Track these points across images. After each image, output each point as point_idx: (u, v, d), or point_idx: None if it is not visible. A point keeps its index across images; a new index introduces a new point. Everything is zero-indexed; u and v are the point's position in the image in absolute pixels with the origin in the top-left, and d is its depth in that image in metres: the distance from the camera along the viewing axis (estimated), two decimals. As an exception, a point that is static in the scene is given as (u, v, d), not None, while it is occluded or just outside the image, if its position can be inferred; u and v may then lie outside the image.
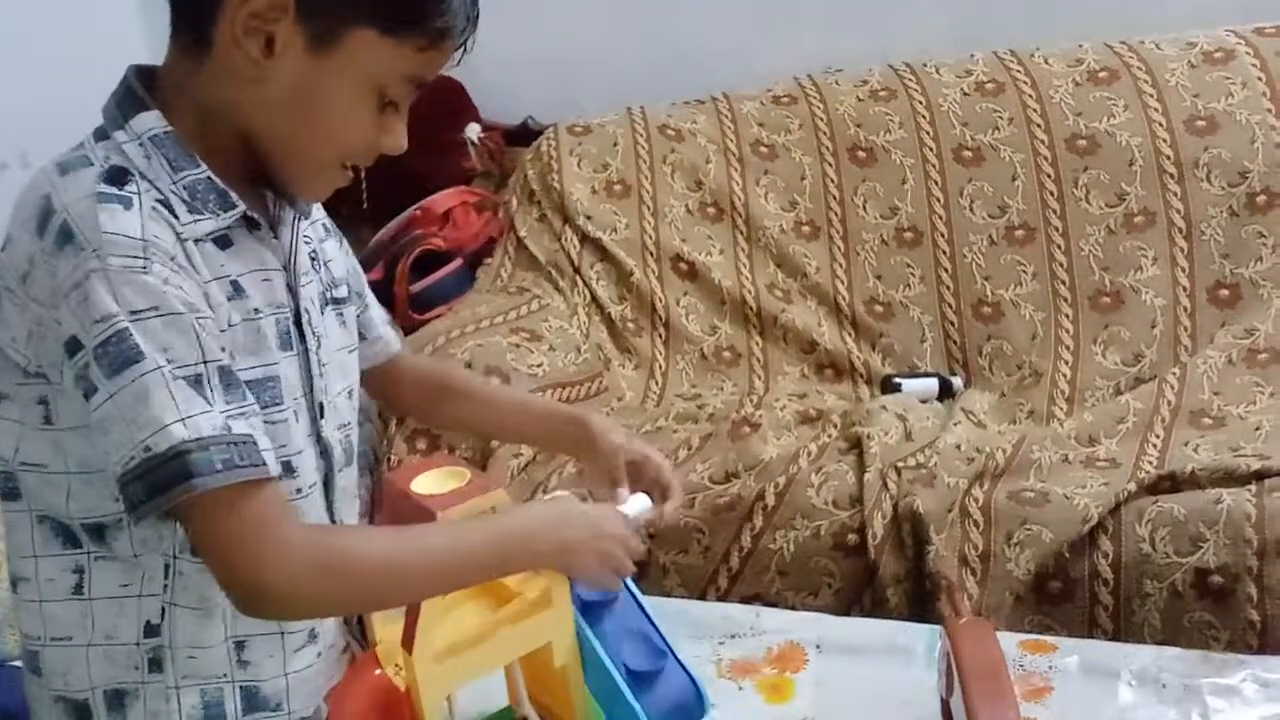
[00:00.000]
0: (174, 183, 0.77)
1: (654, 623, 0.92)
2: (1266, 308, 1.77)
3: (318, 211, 0.93)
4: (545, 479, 1.59)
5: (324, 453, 0.88)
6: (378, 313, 1.02)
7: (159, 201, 0.75)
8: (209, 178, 0.78)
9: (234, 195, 0.79)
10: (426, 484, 0.84)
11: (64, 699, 0.83)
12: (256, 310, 0.81)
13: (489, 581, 0.83)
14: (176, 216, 0.76)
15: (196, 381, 0.72)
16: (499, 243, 2.12)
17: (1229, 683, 0.94)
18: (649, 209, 2.07)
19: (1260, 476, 1.38)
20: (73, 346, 0.73)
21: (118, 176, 0.74)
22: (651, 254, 2.04)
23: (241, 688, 0.85)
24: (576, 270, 2.03)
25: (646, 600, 0.94)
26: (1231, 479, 1.39)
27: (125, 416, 0.71)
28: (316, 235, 0.92)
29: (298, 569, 0.73)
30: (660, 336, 2.00)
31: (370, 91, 0.78)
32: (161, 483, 0.70)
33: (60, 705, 0.84)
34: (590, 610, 0.87)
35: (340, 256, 0.95)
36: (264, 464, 0.73)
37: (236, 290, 0.79)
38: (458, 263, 2.13)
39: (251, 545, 0.72)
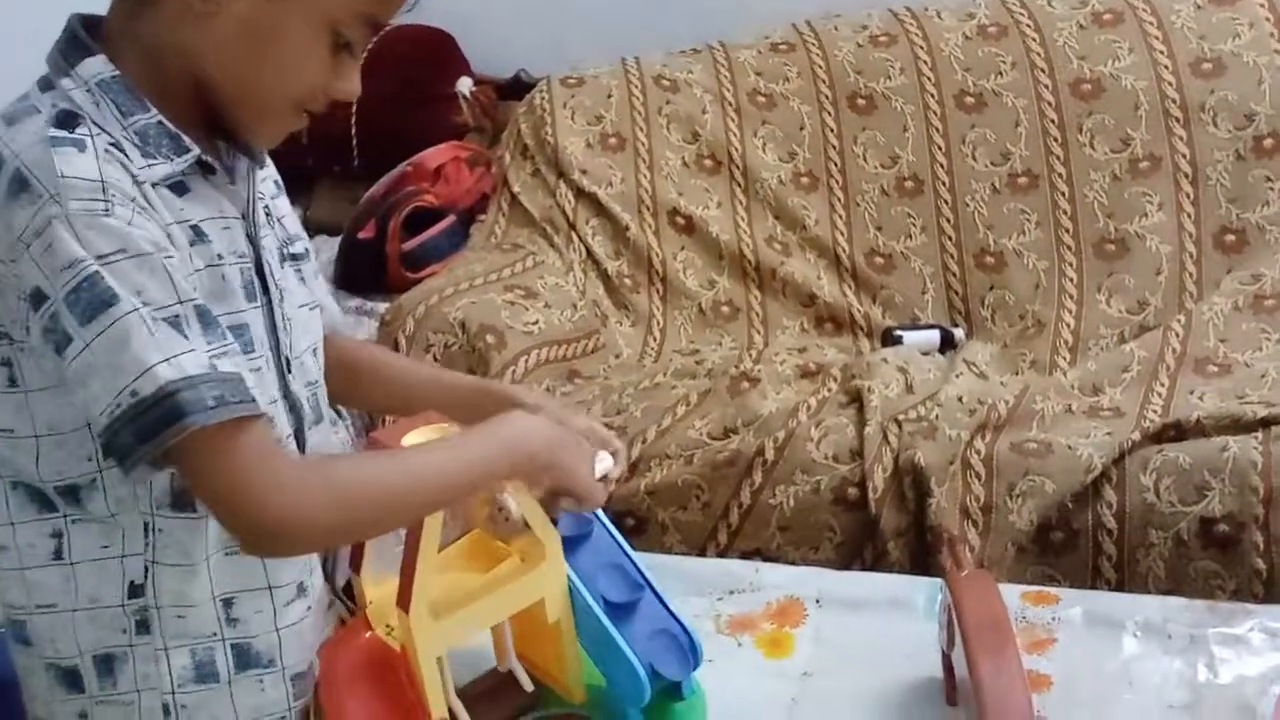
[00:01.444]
0: (125, 128, 0.75)
1: (630, 556, 0.91)
2: (1273, 253, 1.75)
3: (270, 169, 0.91)
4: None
5: (293, 409, 0.86)
6: (323, 280, 1.00)
7: (111, 145, 0.73)
8: (160, 122, 0.76)
9: (187, 139, 0.77)
10: (416, 441, 0.82)
11: (54, 666, 0.82)
12: (219, 257, 0.79)
13: (487, 490, 0.82)
14: (130, 160, 0.74)
15: (175, 322, 0.70)
16: (492, 199, 2.09)
17: (1236, 633, 0.93)
18: (645, 162, 2.03)
19: (1267, 424, 1.36)
20: (37, 298, 0.71)
21: (68, 120, 0.72)
22: (648, 208, 2.01)
23: (233, 645, 0.83)
24: (572, 226, 2.00)
25: (643, 557, 0.93)
26: (1237, 426, 1.37)
27: (105, 364, 0.69)
28: (269, 191, 0.90)
29: (304, 500, 0.72)
30: (658, 292, 1.98)
31: (324, 31, 0.76)
32: (152, 426, 0.68)
33: (51, 673, 0.82)
34: (565, 545, 0.86)
35: (290, 214, 0.93)
36: (254, 401, 0.71)
37: (198, 235, 0.77)
38: (450, 220, 2.10)
39: (255, 480, 0.71)
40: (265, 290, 0.83)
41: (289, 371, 0.85)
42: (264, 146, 0.85)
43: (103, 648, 0.81)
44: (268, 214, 0.88)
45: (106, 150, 0.72)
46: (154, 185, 0.75)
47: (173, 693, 0.82)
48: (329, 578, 0.92)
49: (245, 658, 0.84)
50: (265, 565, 0.83)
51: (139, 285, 0.70)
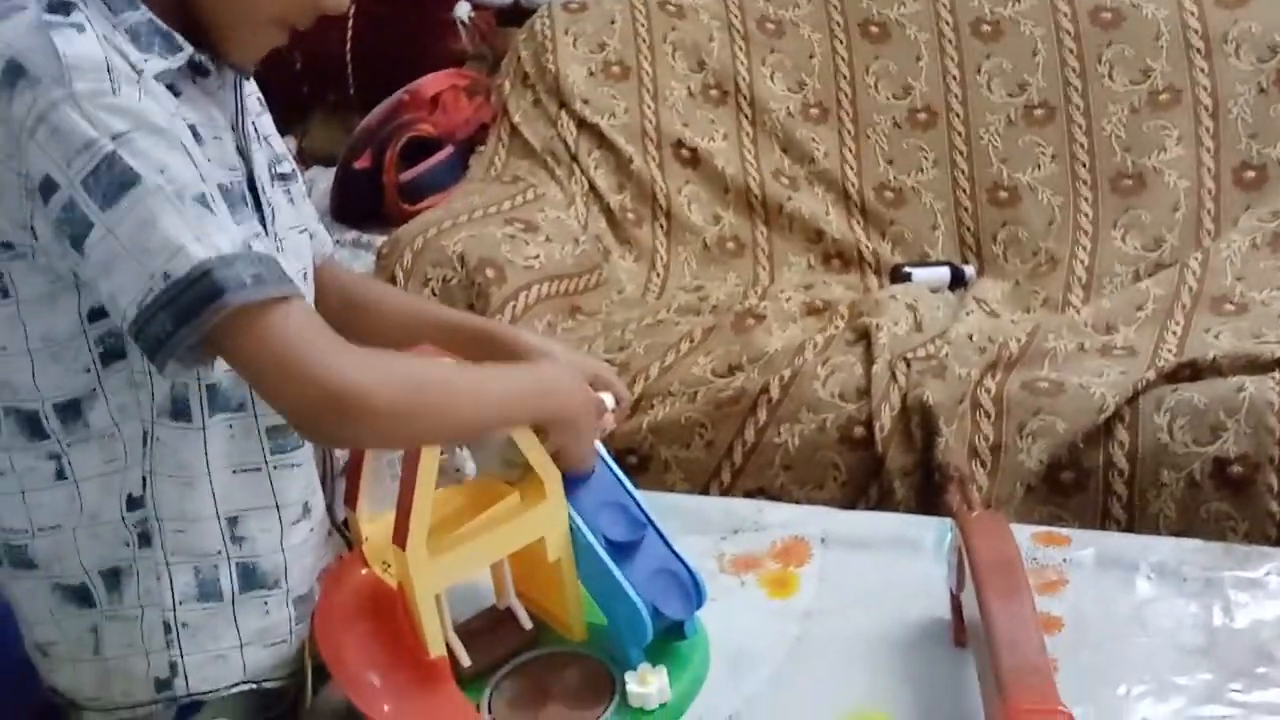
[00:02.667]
0: (114, 26, 0.71)
1: (632, 494, 0.89)
2: (1293, 190, 1.70)
3: (251, 85, 0.87)
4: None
5: None
6: (312, 207, 0.97)
7: (106, 35, 0.70)
8: (150, 20, 0.73)
9: (179, 38, 0.74)
10: None
11: (61, 586, 0.81)
12: (212, 165, 0.75)
13: (523, 426, 0.80)
14: (127, 51, 0.70)
15: (203, 199, 0.67)
16: (492, 129, 2.03)
17: (1253, 576, 0.91)
18: (649, 92, 1.97)
19: (1284, 363, 1.33)
20: (48, 188, 0.67)
21: (61, 7, 0.69)
22: (652, 140, 1.96)
23: (238, 564, 0.82)
24: (574, 158, 1.95)
25: (646, 495, 0.91)
26: (1254, 366, 1.34)
27: (132, 248, 0.65)
28: (253, 109, 0.87)
29: (373, 370, 0.68)
30: (661, 227, 1.94)
31: None
32: (189, 307, 0.65)
33: (59, 593, 0.81)
34: (566, 483, 0.85)
35: (275, 134, 0.90)
36: (293, 282, 0.69)
37: (196, 135, 0.74)
38: (448, 150, 2.05)
39: (315, 347, 0.67)
40: (258, 206, 0.80)
41: None
42: (246, 61, 0.81)
43: (108, 563, 0.80)
44: (255, 131, 0.84)
45: (105, 36, 0.69)
46: (153, 78, 0.71)
47: (174, 609, 0.80)
48: (328, 509, 0.90)
49: (251, 578, 0.82)
50: (272, 482, 0.81)
51: (161, 163, 0.66)
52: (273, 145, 0.88)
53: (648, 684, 0.82)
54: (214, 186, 0.68)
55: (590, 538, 0.85)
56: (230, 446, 0.78)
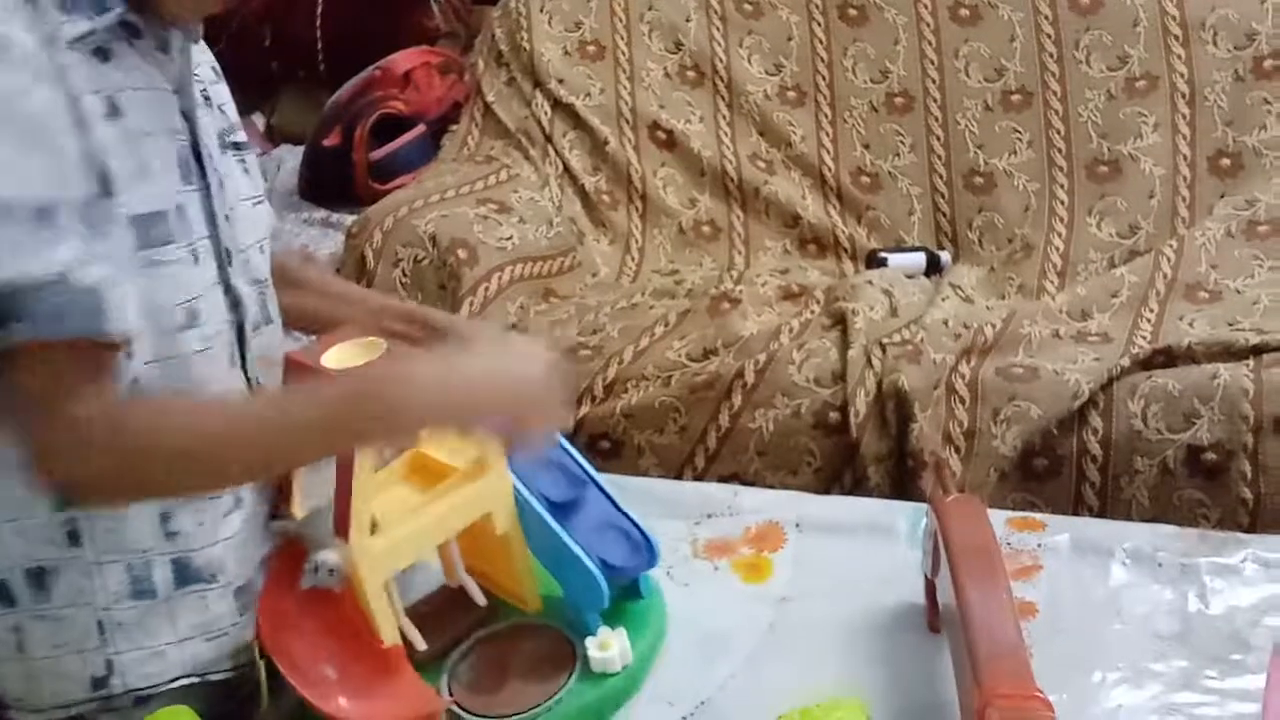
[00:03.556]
0: None
1: (569, 451, 0.88)
2: (1269, 178, 1.71)
3: (206, 54, 0.84)
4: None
5: (235, 305, 0.80)
6: (259, 180, 0.92)
7: None
8: None
9: None
10: (339, 358, 0.76)
11: None
12: (146, 133, 0.72)
13: (342, 451, 0.72)
14: (44, 12, 0.66)
15: (42, 213, 0.63)
16: (465, 108, 2.00)
17: (1228, 562, 0.90)
18: (625, 72, 1.95)
19: (1258, 351, 1.33)
20: None
21: None
22: (628, 121, 1.93)
23: (171, 560, 0.79)
24: (548, 138, 1.92)
25: (619, 479, 0.90)
26: (1229, 353, 1.34)
27: None
28: (207, 77, 0.84)
29: (83, 462, 0.67)
30: (637, 209, 1.91)
31: None
32: None
33: None
34: None
35: (230, 102, 0.87)
36: (104, 326, 0.65)
37: (113, 109, 0.70)
38: (420, 129, 2.02)
39: (50, 409, 0.65)
40: (203, 174, 0.77)
41: (229, 263, 0.79)
42: (181, 21, 0.77)
43: (33, 562, 0.77)
44: (206, 98, 0.81)
45: (15, 2, 0.65)
46: (71, 44, 0.68)
47: (108, 609, 0.78)
48: (281, 486, 0.87)
49: (186, 573, 0.80)
50: None
51: (7, 160, 0.62)
52: (226, 114, 0.85)
53: (608, 648, 0.81)
54: (72, 202, 0.64)
55: (538, 507, 0.84)
56: None
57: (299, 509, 0.83)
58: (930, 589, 0.87)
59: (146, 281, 0.71)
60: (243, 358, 0.82)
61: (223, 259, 0.79)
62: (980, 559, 0.77)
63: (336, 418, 0.70)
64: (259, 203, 0.86)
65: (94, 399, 0.67)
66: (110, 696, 0.80)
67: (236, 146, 0.84)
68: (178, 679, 0.81)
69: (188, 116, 0.77)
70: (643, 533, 0.86)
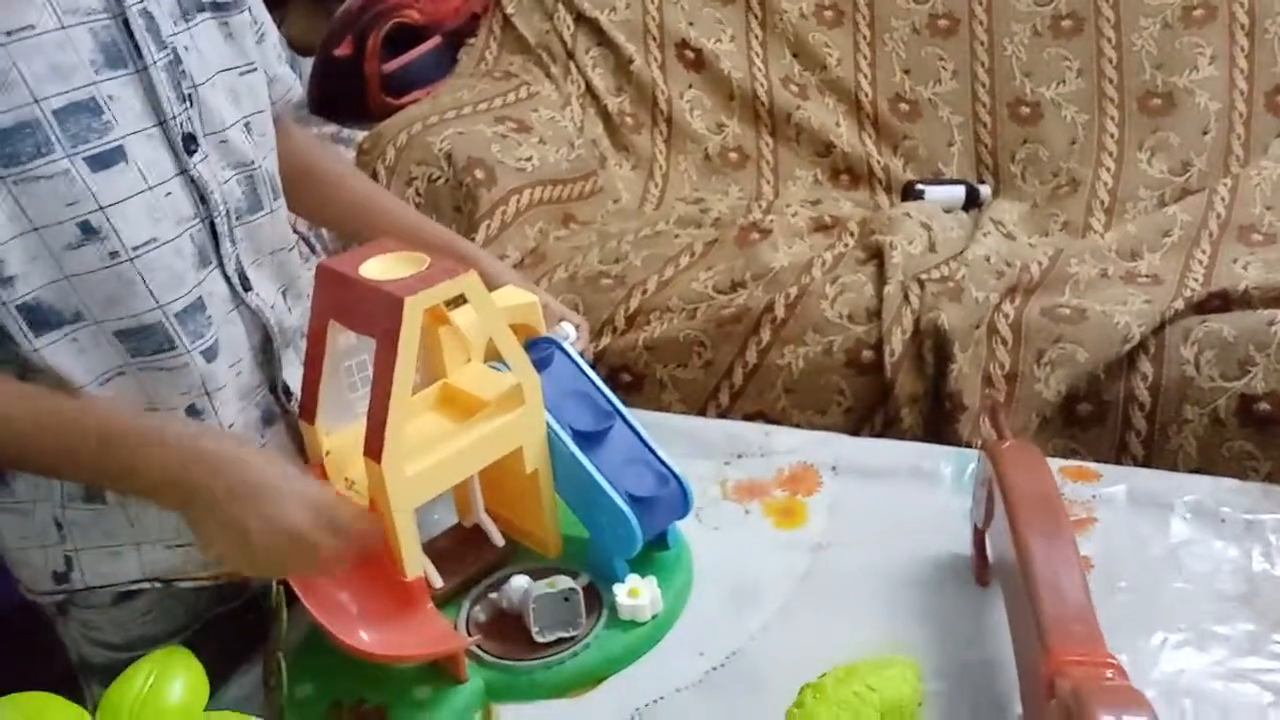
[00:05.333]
0: None
1: (595, 382, 0.84)
2: (1330, 116, 1.61)
3: None
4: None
5: (202, 197, 0.73)
6: (273, 43, 0.84)
7: None
8: None
9: None
10: (378, 269, 0.71)
11: None
12: (61, 25, 0.65)
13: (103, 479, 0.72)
14: None
15: None
16: (483, 20, 1.90)
17: (1299, 519, 0.84)
18: (653, -13, 1.85)
19: (1319, 297, 1.25)
20: None
21: None
22: (654, 39, 1.84)
23: None
24: (570, 55, 1.83)
25: (642, 414, 0.85)
26: (1288, 299, 1.26)
27: None
28: None
29: None
30: (661, 133, 1.83)
31: None
32: None
33: None
34: None
35: None
36: None
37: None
38: (436, 40, 1.92)
39: None
40: (139, 54, 0.69)
41: (191, 150, 0.72)
42: None
43: None
44: None
45: None
46: None
47: (64, 507, 0.77)
48: (273, 387, 0.83)
49: None
50: (145, 387, 0.73)
51: None
52: None
53: (639, 595, 0.78)
54: None
55: (573, 447, 0.79)
56: (82, 359, 0.70)
57: (322, 430, 0.77)
58: (979, 540, 0.82)
59: (24, 199, 0.64)
60: (217, 251, 0.75)
61: (178, 147, 0.71)
62: (1043, 510, 0.71)
63: (136, 463, 0.67)
64: (245, 72, 0.78)
65: None
66: (74, 592, 0.80)
67: (216, 6, 0.75)
68: (137, 581, 0.80)
69: None
70: (675, 475, 0.81)
